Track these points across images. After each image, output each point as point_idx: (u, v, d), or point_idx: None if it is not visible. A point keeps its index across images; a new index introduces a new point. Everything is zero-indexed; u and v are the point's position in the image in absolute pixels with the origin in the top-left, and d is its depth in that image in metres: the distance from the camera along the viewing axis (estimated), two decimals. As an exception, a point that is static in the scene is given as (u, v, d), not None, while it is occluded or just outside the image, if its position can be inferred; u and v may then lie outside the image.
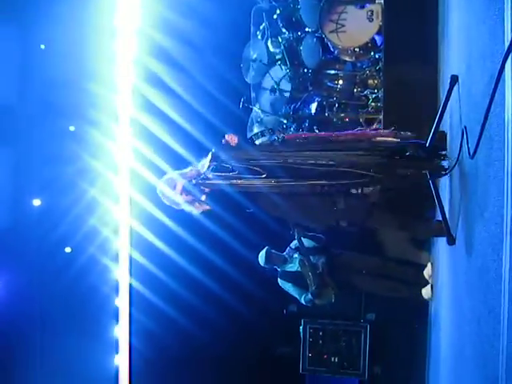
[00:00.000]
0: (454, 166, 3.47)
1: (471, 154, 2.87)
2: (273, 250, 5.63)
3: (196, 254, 6.89)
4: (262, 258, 5.59)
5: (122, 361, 7.10)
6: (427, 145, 3.67)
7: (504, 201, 2.07)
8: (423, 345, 6.14)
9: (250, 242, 6.28)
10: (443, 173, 3.74)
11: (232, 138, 4.00)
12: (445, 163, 3.77)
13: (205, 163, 3.97)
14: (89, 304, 6.92)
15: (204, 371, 7.08)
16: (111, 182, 6.87)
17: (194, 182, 3.99)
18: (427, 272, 5.40)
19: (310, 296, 5.38)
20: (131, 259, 7.03)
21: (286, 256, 5.62)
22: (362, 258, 5.64)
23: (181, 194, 4.05)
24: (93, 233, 6.84)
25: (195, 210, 4.18)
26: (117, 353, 7.06)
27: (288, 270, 5.58)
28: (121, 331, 7.05)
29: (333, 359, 6.42)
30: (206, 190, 4.02)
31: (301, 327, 6.52)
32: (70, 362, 6.77)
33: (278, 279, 5.65)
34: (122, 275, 7.00)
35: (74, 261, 6.89)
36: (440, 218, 3.87)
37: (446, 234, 3.74)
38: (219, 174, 3.91)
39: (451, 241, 3.72)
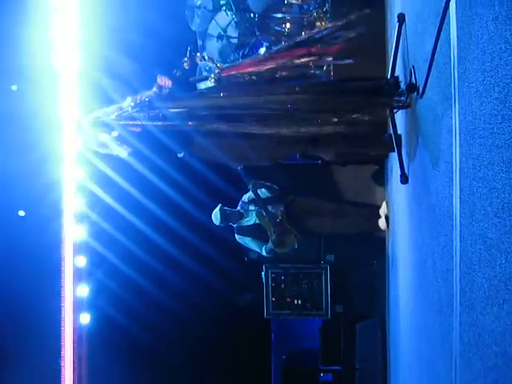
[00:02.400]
0: (405, 102, 3.47)
1: (420, 93, 2.89)
2: (225, 207, 5.46)
3: (150, 215, 6.83)
4: (216, 217, 5.39)
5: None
6: (388, 80, 3.62)
7: (453, 139, 2.10)
8: (382, 280, 6.33)
9: (198, 199, 6.28)
10: (398, 107, 3.70)
11: (165, 81, 3.85)
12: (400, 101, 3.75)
13: (131, 101, 3.80)
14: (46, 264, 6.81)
15: (168, 331, 7.12)
16: (58, 140, 6.64)
17: (117, 119, 3.82)
18: (382, 211, 5.53)
19: (270, 245, 5.36)
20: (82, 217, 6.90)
21: (242, 211, 5.49)
22: (318, 202, 5.70)
23: (106, 133, 3.88)
24: (44, 194, 6.67)
25: (122, 153, 4.02)
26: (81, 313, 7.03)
27: (245, 224, 5.47)
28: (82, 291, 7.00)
29: (296, 302, 6.56)
30: (136, 130, 3.88)
31: (262, 273, 6.60)
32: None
33: (236, 235, 5.55)
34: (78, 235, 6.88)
35: (27, 223, 6.74)
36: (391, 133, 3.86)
37: (400, 172, 3.79)
38: (147, 113, 3.76)
39: (404, 179, 3.77)
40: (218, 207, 5.40)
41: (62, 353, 6.78)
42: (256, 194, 5.25)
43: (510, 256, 1.42)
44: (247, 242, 5.54)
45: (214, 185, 6.12)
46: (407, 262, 3.97)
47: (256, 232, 5.41)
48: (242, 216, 5.47)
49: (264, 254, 5.49)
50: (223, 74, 3.88)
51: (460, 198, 2.00)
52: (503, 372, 1.46)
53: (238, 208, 5.52)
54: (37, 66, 6.38)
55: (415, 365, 3.54)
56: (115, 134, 3.86)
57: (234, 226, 5.51)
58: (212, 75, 3.84)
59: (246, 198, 5.52)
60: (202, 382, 7.44)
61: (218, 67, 3.86)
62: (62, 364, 6.78)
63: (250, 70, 3.83)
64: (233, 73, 3.89)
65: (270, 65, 3.74)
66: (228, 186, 5.92)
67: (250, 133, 3.75)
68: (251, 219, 5.43)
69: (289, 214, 5.40)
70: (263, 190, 5.39)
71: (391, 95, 3.58)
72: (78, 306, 6.90)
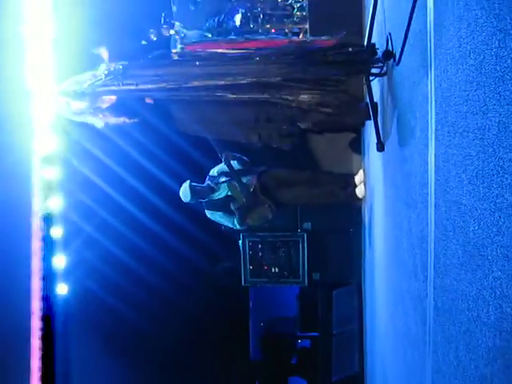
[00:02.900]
0: (382, 70, 3.47)
1: (396, 60, 2.88)
2: (194, 183, 5.29)
3: (126, 186, 6.78)
4: (185, 193, 5.23)
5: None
6: (365, 47, 3.60)
7: (428, 106, 2.10)
8: (358, 247, 6.40)
9: (173, 170, 6.22)
10: (374, 75, 3.69)
11: None
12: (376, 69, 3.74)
13: (104, 69, 3.73)
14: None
15: (146, 302, 7.12)
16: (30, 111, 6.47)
17: (91, 87, 3.76)
18: (359, 178, 5.55)
19: (239, 218, 5.24)
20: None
21: (212, 185, 5.32)
22: (293, 172, 5.66)
23: (81, 101, 3.82)
24: (14, 168, 6.51)
25: (98, 122, 3.96)
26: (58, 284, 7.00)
27: (216, 198, 5.32)
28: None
29: (273, 270, 6.62)
30: (109, 99, 3.82)
31: (240, 241, 6.62)
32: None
33: (206, 211, 5.42)
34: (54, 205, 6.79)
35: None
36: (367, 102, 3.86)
37: (376, 140, 3.81)
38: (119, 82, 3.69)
39: (380, 147, 3.79)
40: (187, 184, 5.24)
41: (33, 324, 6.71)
42: (229, 165, 5.13)
43: (483, 222, 1.44)
44: (218, 217, 5.41)
45: (188, 156, 6.08)
46: (383, 229, 4.01)
47: (228, 206, 5.29)
48: (212, 190, 5.31)
49: (237, 226, 5.39)
50: (189, 49, 3.85)
51: (435, 165, 2.01)
52: (475, 336, 1.49)
53: (208, 182, 5.35)
54: (5, 35, 6.17)
55: (390, 329, 3.61)
56: (93, 102, 3.81)
57: (204, 201, 5.36)
58: (174, 50, 3.81)
59: (214, 171, 5.39)
60: (181, 351, 7.49)
61: (183, 44, 3.84)
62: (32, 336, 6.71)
63: (215, 49, 3.80)
64: (199, 49, 3.85)
65: (239, 48, 3.71)
66: (202, 157, 5.85)
67: (225, 105, 3.73)
68: (222, 192, 5.29)
69: (262, 185, 5.33)
70: (235, 161, 5.26)
71: (367, 63, 3.57)
72: (53, 277, 6.85)
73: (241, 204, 5.23)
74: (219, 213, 5.37)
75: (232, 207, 5.28)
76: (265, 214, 5.37)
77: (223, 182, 5.28)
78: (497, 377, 1.32)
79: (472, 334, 1.53)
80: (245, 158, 5.37)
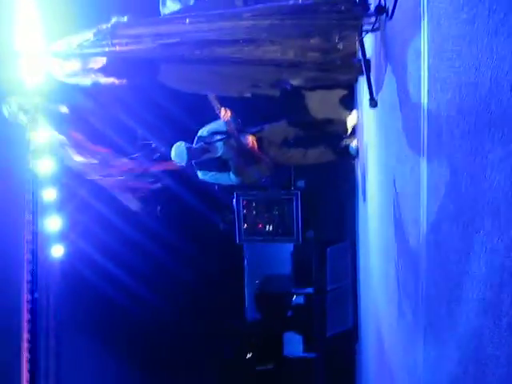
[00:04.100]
0: (374, 25, 3.42)
1: (389, 15, 2.84)
2: (188, 144, 5.16)
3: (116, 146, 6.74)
4: (181, 154, 5.08)
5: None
6: (357, 2, 3.54)
7: (421, 62, 2.09)
8: (352, 204, 6.44)
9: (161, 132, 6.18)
10: (367, 30, 3.63)
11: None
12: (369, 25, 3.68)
13: (94, 29, 3.68)
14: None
15: (142, 266, 7.17)
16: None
17: (80, 48, 3.71)
18: (351, 121, 5.53)
19: (234, 175, 5.22)
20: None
21: (204, 146, 5.21)
22: (287, 129, 5.64)
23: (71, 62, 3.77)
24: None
25: (90, 83, 3.92)
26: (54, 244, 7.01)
27: (209, 158, 5.22)
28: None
29: (267, 228, 6.66)
30: (100, 60, 3.78)
31: (234, 200, 6.64)
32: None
33: (198, 172, 5.33)
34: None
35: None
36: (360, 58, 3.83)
37: (369, 96, 3.79)
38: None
39: (373, 104, 3.77)
40: (182, 145, 5.10)
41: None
42: (227, 122, 5.07)
43: (475, 178, 1.45)
44: (213, 176, 5.34)
45: (173, 118, 6.04)
46: (376, 185, 4.03)
47: (222, 165, 5.24)
48: (207, 150, 5.21)
49: (233, 182, 5.35)
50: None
51: (428, 121, 2.01)
52: (466, 289, 1.52)
53: (200, 143, 5.23)
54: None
55: (384, 285, 3.66)
56: (84, 63, 3.76)
57: (195, 162, 5.24)
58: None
59: (204, 132, 5.30)
60: (178, 311, 7.57)
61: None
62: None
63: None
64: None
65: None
66: (189, 118, 5.80)
67: (216, 62, 3.69)
68: (218, 152, 5.21)
69: (258, 144, 5.32)
70: (231, 119, 5.15)
71: (360, 18, 3.52)
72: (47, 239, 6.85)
73: (236, 163, 5.21)
74: (213, 171, 5.29)
75: (229, 164, 5.23)
76: (261, 171, 5.36)
77: (218, 140, 5.20)
78: (487, 328, 1.35)
79: (463, 287, 1.56)
80: (237, 117, 5.34)
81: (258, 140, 5.36)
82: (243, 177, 5.33)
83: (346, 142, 5.58)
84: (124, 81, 4.00)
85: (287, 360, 7.94)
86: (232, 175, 5.29)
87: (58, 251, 6.93)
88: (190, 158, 5.11)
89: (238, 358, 7.88)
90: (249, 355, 7.90)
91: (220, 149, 5.24)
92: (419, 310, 2.22)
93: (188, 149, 5.10)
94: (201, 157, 5.21)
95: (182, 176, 6.27)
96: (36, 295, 6.55)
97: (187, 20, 3.64)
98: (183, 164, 5.15)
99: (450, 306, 1.72)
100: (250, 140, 5.29)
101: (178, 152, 5.10)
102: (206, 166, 5.28)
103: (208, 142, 5.22)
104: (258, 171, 5.37)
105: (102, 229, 6.97)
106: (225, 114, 5.04)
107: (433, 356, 2.01)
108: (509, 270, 1.21)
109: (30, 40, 5.80)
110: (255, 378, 7.87)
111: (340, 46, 3.87)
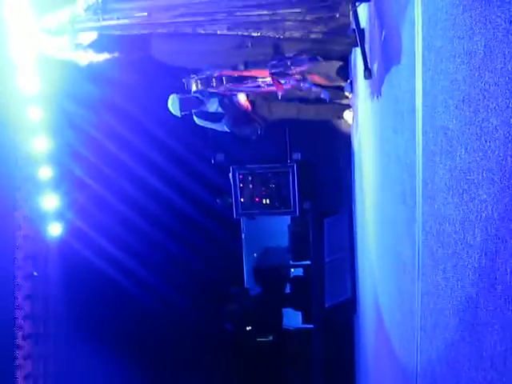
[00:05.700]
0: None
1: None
2: (180, 95, 5.27)
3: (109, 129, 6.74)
4: (175, 105, 5.25)
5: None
6: None
7: (415, 31, 2.08)
8: (348, 176, 6.44)
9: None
10: (360, 0, 3.60)
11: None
12: None
13: (84, 4, 3.64)
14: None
15: (138, 245, 7.20)
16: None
17: (71, 23, 3.67)
18: (347, 118, 5.54)
19: (228, 127, 5.35)
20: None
21: (200, 97, 5.30)
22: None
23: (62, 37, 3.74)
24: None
25: (80, 57, 3.89)
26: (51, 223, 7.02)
27: (205, 110, 5.36)
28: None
29: (264, 201, 6.67)
30: (90, 35, 3.75)
31: (230, 174, 6.63)
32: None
33: (195, 118, 5.46)
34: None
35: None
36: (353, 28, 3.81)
37: (364, 67, 3.77)
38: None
39: (368, 74, 3.75)
40: (176, 96, 5.24)
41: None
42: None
43: (470, 147, 1.45)
44: (207, 124, 5.50)
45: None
46: (371, 156, 4.03)
47: (217, 117, 5.37)
48: (201, 103, 5.32)
49: (225, 128, 5.47)
50: None
51: (422, 91, 2.00)
52: (462, 258, 1.54)
53: (196, 95, 5.32)
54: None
55: (381, 253, 3.69)
56: (74, 38, 3.72)
57: (193, 112, 5.40)
58: None
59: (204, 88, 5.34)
60: (177, 284, 7.62)
61: None
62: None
63: None
64: None
65: None
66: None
67: (208, 35, 3.66)
68: (212, 106, 5.33)
69: (252, 102, 5.40)
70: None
71: None
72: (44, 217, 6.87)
73: (229, 119, 5.30)
74: (208, 121, 5.46)
75: (223, 118, 5.35)
76: (253, 129, 5.47)
77: (213, 97, 5.30)
78: (482, 296, 1.37)
79: (459, 256, 1.57)
80: None
81: (254, 99, 5.43)
82: (235, 130, 5.46)
83: (341, 108, 5.58)
84: (116, 55, 3.97)
85: (286, 331, 8.03)
86: (225, 127, 5.44)
87: (55, 229, 6.96)
88: (184, 109, 5.29)
89: (238, 331, 7.95)
90: (249, 328, 7.98)
91: (215, 103, 5.34)
92: (416, 279, 2.25)
93: (181, 98, 5.26)
94: (195, 107, 5.35)
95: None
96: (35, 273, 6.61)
97: None
98: (178, 114, 5.32)
99: (445, 275, 1.74)
100: (245, 99, 5.35)
101: (172, 103, 5.28)
102: (203, 115, 5.43)
103: (202, 95, 5.33)
104: (250, 129, 5.47)
105: (99, 209, 6.99)
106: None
107: (430, 324, 2.04)
108: (503, 238, 1.22)
109: (20, 15, 5.73)
110: (256, 350, 7.96)
111: (334, 17, 3.84)
